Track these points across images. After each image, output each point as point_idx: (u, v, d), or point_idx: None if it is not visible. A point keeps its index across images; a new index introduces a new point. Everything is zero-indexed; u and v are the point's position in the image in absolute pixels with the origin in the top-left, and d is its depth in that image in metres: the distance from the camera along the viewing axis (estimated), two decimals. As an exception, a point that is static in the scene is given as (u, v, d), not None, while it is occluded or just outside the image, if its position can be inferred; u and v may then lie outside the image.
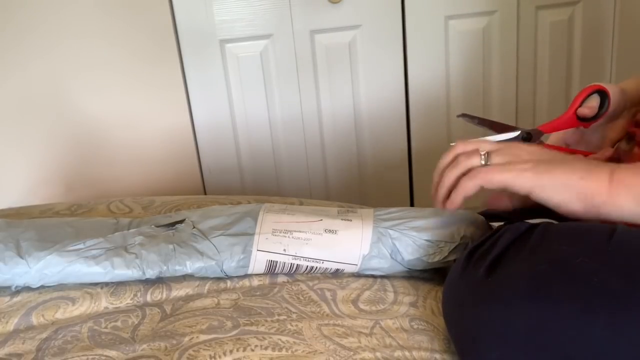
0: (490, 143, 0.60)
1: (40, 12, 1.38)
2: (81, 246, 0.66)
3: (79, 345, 0.57)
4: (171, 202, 0.88)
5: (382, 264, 0.66)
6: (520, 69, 1.62)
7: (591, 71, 1.65)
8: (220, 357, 0.54)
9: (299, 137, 1.59)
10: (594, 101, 0.73)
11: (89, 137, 1.49)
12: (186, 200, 0.88)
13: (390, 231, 0.66)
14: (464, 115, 0.76)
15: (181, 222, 0.69)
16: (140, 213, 0.84)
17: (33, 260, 0.65)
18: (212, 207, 0.74)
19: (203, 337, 0.56)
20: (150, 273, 0.65)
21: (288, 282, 0.67)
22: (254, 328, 0.58)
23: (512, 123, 1.68)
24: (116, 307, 0.64)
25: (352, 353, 0.55)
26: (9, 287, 0.66)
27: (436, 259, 0.66)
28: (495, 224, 0.66)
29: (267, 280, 0.67)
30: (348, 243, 0.66)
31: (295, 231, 0.66)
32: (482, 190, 0.58)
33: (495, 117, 1.67)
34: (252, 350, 0.54)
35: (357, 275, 0.68)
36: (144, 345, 0.56)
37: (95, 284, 0.67)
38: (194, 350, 0.55)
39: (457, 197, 0.58)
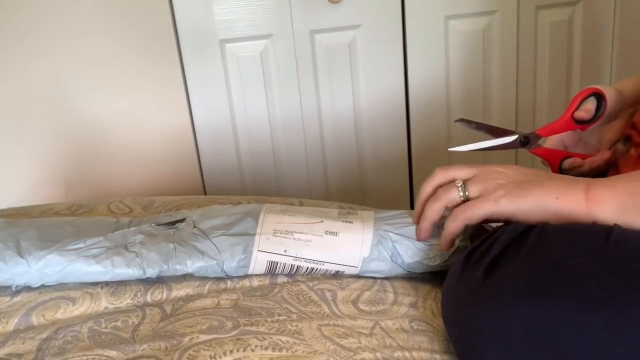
0: (467, 169, 0.62)
1: (40, 12, 1.38)
2: (81, 245, 0.66)
3: (79, 345, 0.57)
4: (171, 202, 0.88)
5: (382, 266, 0.67)
6: (520, 68, 1.62)
7: (591, 71, 1.65)
8: (220, 357, 0.54)
9: (299, 137, 1.59)
10: (591, 104, 0.73)
11: (89, 137, 1.49)
12: (186, 200, 0.88)
13: (391, 234, 0.66)
14: (461, 120, 0.76)
15: (181, 221, 0.69)
16: (140, 213, 0.84)
17: (33, 259, 0.65)
18: (212, 206, 0.74)
19: (203, 337, 0.56)
20: (151, 272, 0.66)
21: (288, 282, 0.67)
22: (254, 328, 0.58)
23: (512, 123, 1.69)
24: (116, 307, 0.64)
25: (352, 353, 0.55)
26: (9, 287, 0.66)
27: (436, 262, 0.66)
28: (494, 225, 0.67)
29: (267, 281, 0.67)
30: (348, 245, 0.66)
31: (296, 232, 0.66)
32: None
33: (495, 117, 1.68)
34: (252, 350, 0.54)
35: (357, 276, 0.68)
36: (144, 346, 0.56)
37: (96, 284, 0.67)
38: (194, 351, 0.55)
39: (447, 239, 0.62)
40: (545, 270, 0.48)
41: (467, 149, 0.74)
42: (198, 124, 1.54)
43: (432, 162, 1.66)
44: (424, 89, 1.59)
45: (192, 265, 0.66)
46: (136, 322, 0.61)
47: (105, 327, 0.60)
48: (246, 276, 0.68)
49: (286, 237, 0.66)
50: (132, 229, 0.69)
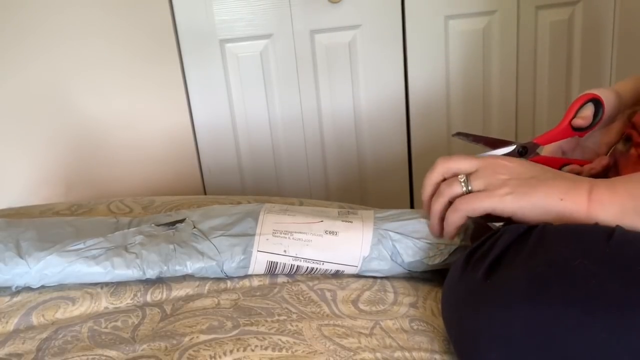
0: (470, 161, 0.61)
1: (40, 12, 1.38)
2: (81, 246, 0.66)
3: (79, 345, 0.57)
4: (171, 202, 0.88)
5: (382, 265, 0.67)
6: (520, 69, 1.62)
7: (591, 71, 1.65)
8: (220, 357, 0.54)
9: (299, 137, 1.59)
10: (589, 110, 0.73)
11: (89, 137, 1.49)
12: (186, 200, 0.88)
13: (391, 233, 0.66)
14: (458, 134, 0.76)
15: (181, 221, 0.69)
16: (140, 213, 0.84)
17: (33, 260, 0.65)
18: (212, 207, 0.74)
19: (203, 337, 0.56)
20: (151, 273, 0.65)
21: (288, 282, 0.67)
22: (254, 328, 0.58)
23: (512, 123, 1.69)
24: (116, 307, 0.64)
25: (352, 353, 0.55)
26: (9, 288, 0.66)
27: (436, 261, 0.66)
28: (495, 224, 0.67)
29: (267, 281, 0.67)
30: (348, 245, 0.66)
31: (295, 232, 0.66)
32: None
33: (495, 117, 1.68)
34: (252, 350, 0.54)
35: (358, 276, 0.68)
36: (144, 345, 0.56)
37: (95, 284, 0.67)
38: (194, 351, 0.55)
39: (450, 231, 0.61)
40: (546, 271, 0.48)
41: None
42: (198, 124, 1.54)
43: (432, 162, 1.65)
44: (424, 89, 1.59)
45: (192, 266, 0.66)
46: (136, 322, 0.61)
47: (105, 327, 0.60)
48: (246, 276, 0.68)
49: (286, 237, 0.66)
50: (131, 229, 0.69)
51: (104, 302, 0.64)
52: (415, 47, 1.56)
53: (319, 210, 0.71)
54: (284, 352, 0.54)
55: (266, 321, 0.59)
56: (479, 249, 0.55)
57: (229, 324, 0.58)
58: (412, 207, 1.71)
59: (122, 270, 0.65)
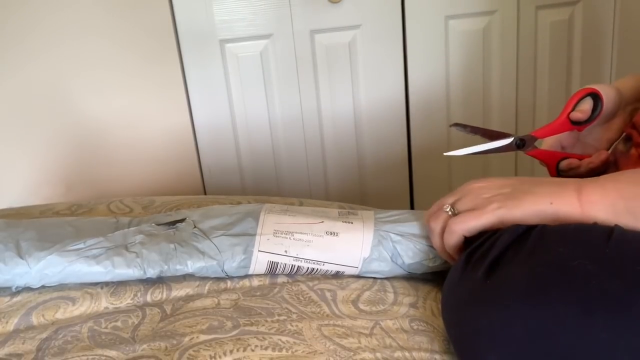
0: (452, 195, 0.62)
1: (39, 12, 1.38)
2: (81, 246, 0.66)
3: (79, 345, 0.57)
4: (171, 202, 0.88)
5: (382, 267, 0.67)
6: (520, 68, 1.62)
7: (591, 71, 1.65)
8: (220, 357, 0.54)
9: (299, 137, 1.59)
10: (587, 104, 0.73)
11: (89, 137, 1.49)
12: (186, 200, 0.88)
13: (392, 234, 0.66)
14: (456, 125, 0.76)
15: (182, 221, 0.69)
16: (140, 213, 0.84)
17: (33, 260, 0.64)
18: (212, 206, 0.74)
19: (203, 337, 0.56)
20: (151, 272, 0.65)
21: (288, 282, 0.67)
22: (254, 328, 0.58)
23: (512, 123, 1.69)
24: (116, 307, 0.64)
25: (352, 353, 0.55)
26: (9, 288, 0.66)
27: (437, 263, 0.66)
28: None
29: (267, 281, 0.67)
30: (349, 246, 0.66)
31: (296, 232, 0.66)
32: None
33: (495, 117, 1.68)
34: (252, 350, 0.54)
35: (357, 276, 0.68)
36: (144, 345, 0.56)
37: (95, 284, 0.67)
38: (194, 351, 0.55)
39: (453, 254, 0.61)
40: (546, 271, 0.48)
41: (463, 153, 0.74)
42: (198, 124, 1.54)
43: (432, 162, 1.66)
44: (424, 89, 1.59)
45: (193, 265, 0.66)
46: (136, 322, 0.61)
47: (105, 327, 0.60)
48: (246, 276, 0.68)
49: (287, 238, 0.66)
50: (132, 229, 0.69)
51: (104, 302, 0.64)
52: (415, 47, 1.56)
53: (319, 211, 0.71)
54: (284, 352, 0.54)
55: (266, 321, 0.59)
56: (479, 249, 0.55)
57: (229, 324, 0.58)
58: (412, 207, 1.71)
59: (123, 270, 0.65)
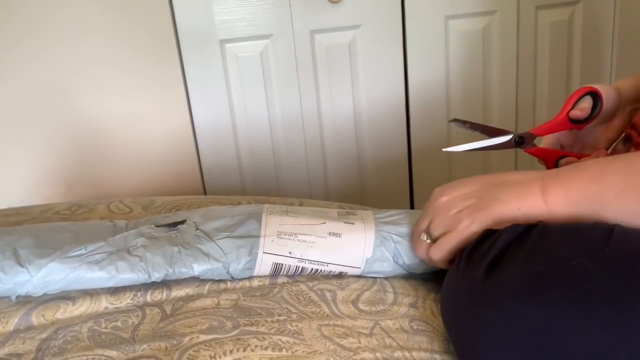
0: (423, 219, 0.63)
1: (39, 12, 1.38)
2: (83, 251, 0.65)
3: (79, 345, 0.57)
4: (171, 202, 0.88)
5: (384, 267, 0.67)
6: (520, 68, 1.62)
7: (591, 71, 1.65)
8: (220, 357, 0.54)
9: (299, 137, 1.59)
10: (587, 103, 0.73)
11: (89, 138, 1.49)
12: (186, 200, 0.88)
13: (393, 235, 0.67)
14: (455, 121, 0.76)
15: (182, 222, 0.69)
16: (140, 213, 0.84)
17: (34, 268, 0.63)
18: (211, 207, 0.74)
19: (203, 337, 0.56)
20: (156, 276, 0.65)
21: (288, 282, 0.67)
22: (254, 328, 0.58)
23: (512, 123, 1.69)
24: (116, 307, 0.64)
25: (352, 353, 0.55)
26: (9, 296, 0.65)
27: None
28: None
29: (267, 281, 0.67)
30: (352, 246, 0.66)
31: (300, 234, 0.66)
32: None
33: (495, 117, 1.68)
34: (252, 350, 0.54)
35: (357, 276, 0.68)
36: (144, 346, 0.56)
37: (96, 284, 0.67)
38: (194, 351, 0.55)
39: (444, 267, 0.62)
40: (546, 271, 0.48)
41: (461, 149, 0.74)
42: (198, 124, 1.54)
43: (432, 162, 1.66)
44: (424, 89, 1.60)
45: (198, 268, 0.65)
46: (136, 322, 0.61)
47: (105, 327, 0.60)
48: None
49: (290, 239, 0.66)
50: (131, 231, 0.67)
51: (104, 302, 0.64)
52: (415, 47, 1.56)
53: (318, 211, 0.71)
54: (284, 352, 0.54)
55: (266, 321, 0.59)
56: (478, 248, 0.55)
57: (229, 324, 0.59)
58: (412, 206, 1.71)
59: (127, 274, 0.64)
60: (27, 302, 0.64)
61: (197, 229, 0.68)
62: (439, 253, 0.60)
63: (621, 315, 0.44)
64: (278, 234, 0.66)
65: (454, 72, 1.60)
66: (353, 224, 0.67)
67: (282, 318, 0.60)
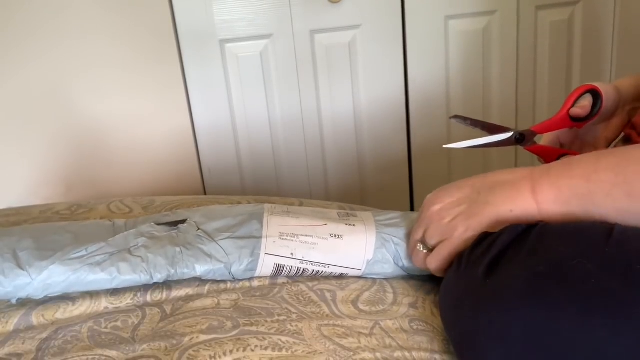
0: (418, 228, 0.63)
1: (40, 12, 1.38)
2: (84, 253, 0.64)
3: (79, 345, 0.57)
4: (171, 202, 0.88)
5: (385, 269, 0.67)
6: (520, 68, 1.62)
7: (591, 71, 1.65)
8: (220, 357, 0.54)
9: (299, 137, 1.59)
10: (587, 101, 0.73)
11: (89, 137, 1.49)
12: (186, 200, 0.88)
13: (394, 237, 0.67)
14: (456, 117, 0.76)
15: (183, 222, 0.69)
16: (140, 213, 0.84)
17: (35, 270, 0.62)
18: (212, 207, 0.74)
19: (203, 337, 0.56)
20: (159, 277, 0.64)
21: (288, 282, 0.67)
22: (254, 328, 0.58)
23: (512, 123, 1.69)
24: (116, 307, 0.64)
25: (352, 353, 0.55)
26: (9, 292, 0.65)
27: None
28: None
29: (267, 281, 0.67)
30: (353, 248, 0.66)
31: (301, 235, 0.66)
32: None
33: (495, 117, 1.68)
34: (252, 350, 0.54)
35: (357, 276, 0.68)
36: (144, 346, 0.56)
37: (96, 284, 0.66)
38: (194, 351, 0.55)
39: (442, 275, 0.62)
40: (545, 271, 0.48)
41: (462, 146, 0.74)
42: (198, 124, 1.54)
43: (432, 162, 1.66)
44: (424, 89, 1.60)
45: (200, 268, 0.65)
46: (136, 322, 0.61)
47: (105, 327, 0.60)
48: (246, 276, 0.68)
49: (292, 240, 0.66)
50: (132, 231, 0.67)
51: (104, 302, 0.64)
52: (415, 47, 1.56)
53: (319, 212, 0.71)
54: (284, 352, 0.54)
55: (266, 321, 0.59)
56: (478, 248, 0.55)
57: (229, 324, 0.59)
58: (412, 207, 1.71)
59: (129, 276, 0.64)
60: (27, 302, 0.64)
61: (199, 229, 0.67)
62: (437, 262, 0.60)
63: (621, 315, 0.44)
64: (280, 235, 0.66)
65: (454, 72, 1.60)
66: (354, 225, 0.67)
67: (282, 318, 0.60)
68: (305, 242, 0.66)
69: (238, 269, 0.65)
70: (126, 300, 0.64)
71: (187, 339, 0.57)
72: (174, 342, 0.56)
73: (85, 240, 0.66)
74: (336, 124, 1.60)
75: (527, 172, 0.57)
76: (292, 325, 0.58)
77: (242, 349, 0.54)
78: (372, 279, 0.68)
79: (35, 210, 0.87)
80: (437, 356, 0.57)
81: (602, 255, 0.47)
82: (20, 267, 0.62)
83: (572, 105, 0.73)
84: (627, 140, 0.72)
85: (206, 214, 0.70)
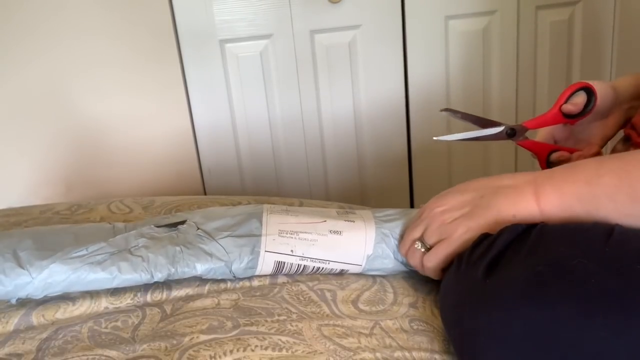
0: (417, 227, 0.63)
1: (39, 12, 1.38)
2: (84, 252, 0.64)
3: (79, 345, 0.57)
4: (171, 202, 0.88)
5: (386, 264, 0.67)
6: (520, 68, 1.62)
7: (591, 71, 1.65)
8: (220, 357, 0.54)
9: (299, 137, 1.59)
10: (580, 98, 0.73)
11: (89, 137, 1.49)
12: (186, 200, 0.88)
13: (393, 232, 0.67)
14: (447, 110, 0.77)
15: (182, 223, 0.69)
16: (140, 213, 0.84)
17: (36, 270, 0.62)
18: (211, 208, 0.74)
19: (203, 337, 0.57)
20: (159, 276, 0.64)
21: (288, 282, 0.67)
22: (254, 328, 0.58)
23: (512, 123, 1.69)
24: (116, 307, 0.64)
25: (352, 353, 0.55)
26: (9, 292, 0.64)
27: None
28: None
29: (267, 281, 0.67)
30: (353, 244, 0.66)
31: (301, 232, 0.66)
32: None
33: (495, 117, 1.67)
34: (252, 350, 0.54)
35: (357, 276, 0.68)
36: (144, 345, 0.56)
37: (96, 284, 0.66)
38: (194, 351, 0.55)
39: (436, 277, 0.63)
40: (545, 271, 0.48)
41: (452, 139, 0.75)
42: (198, 124, 1.54)
43: (432, 161, 1.66)
44: (424, 89, 1.60)
45: (201, 267, 0.65)
46: (136, 322, 0.61)
47: (105, 327, 0.60)
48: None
49: (292, 237, 0.66)
50: (132, 232, 0.67)
51: (104, 302, 0.64)
52: (415, 47, 1.56)
53: (318, 210, 0.71)
54: (284, 352, 0.54)
55: (266, 321, 0.59)
56: (477, 248, 0.55)
57: (229, 324, 0.59)
58: (412, 207, 1.71)
59: (130, 275, 0.64)
60: (27, 302, 0.64)
61: (198, 228, 0.68)
62: (434, 260, 0.60)
63: (621, 315, 0.44)
64: (279, 233, 0.66)
65: (454, 72, 1.60)
66: (353, 221, 0.68)
67: (282, 318, 0.60)
68: (305, 239, 0.66)
69: (239, 267, 0.66)
70: (126, 300, 0.64)
71: (187, 339, 0.57)
72: (174, 342, 0.56)
73: (86, 241, 0.66)
74: (336, 124, 1.60)
75: (531, 177, 0.57)
76: (292, 325, 0.58)
77: (242, 349, 0.55)
78: (372, 279, 0.68)
79: (35, 210, 0.87)
80: (437, 356, 0.57)
81: (603, 255, 0.47)
82: (21, 266, 0.62)
83: (565, 102, 0.74)
84: (627, 140, 0.73)
85: (205, 214, 0.70)
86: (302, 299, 0.64)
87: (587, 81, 0.73)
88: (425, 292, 0.67)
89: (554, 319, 0.46)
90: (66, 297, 0.65)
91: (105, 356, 0.55)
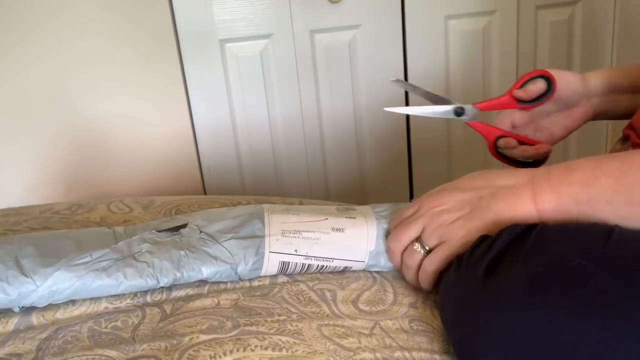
0: (415, 225, 0.62)
1: (39, 12, 1.38)
2: (88, 259, 0.63)
3: (79, 345, 0.57)
4: (171, 202, 0.88)
5: (388, 260, 0.67)
6: (520, 68, 1.62)
7: (591, 70, 1.65)
8: (220, 357, 0.54)
9: (299, 137, 1.59)
10: (535, 85, 0.73)
11: (88, 137, 1.49)
12: (186, 200, 0.88)
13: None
14: (397, 81, 0.77)
15: (184, 226, 0.68)
16: (140, 213, 0.84)
17: (40, 277, 0.61)
18: (211, 209, 0.74)
19: (203, 337, 0.57)
20: (165, 281, 0.64)
21: (288, 282, 0.67)
22: (254, 328, 0.58)
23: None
24: (116, 307, 0.64)
25: (352, 353, 0.55)
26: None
27: None
28: None
29: (267, 281, 0.67)
30: (355, 240, 0.66)
31: (304, 231, 0.66)
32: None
33: (495, 116, 1.67)
34: (252, 350, 0.54)
35: (357, 276, 0.68)
36: (144, 345, 0.56)
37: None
38: (194, 350, 0.55)
39: (428, 287, 0.63)
40: (545, 272, 0.48)
41: (402, 112, 0.76)
42: (198, 124, 1.54)
43: (431, 161, 1.66)
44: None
45: (207, 270, 0.64)
46: (136, 322, 0.61)
47: (105, 327, 0.60)
48: (246, 276, 0.68)
49: (295, 237, 0.66)
50: (134, 237, 0.66)
51: (104, 302, 0.64)
52: (415, 47, 1.56)
53: (319, 209, 0.71)
54: (284, 352, 0.54)
55: (266, 321, 0.59)
56: (477, 249, 0.55)
57: (229, 324, 0.59)
58: (412, 206, 1.71)
59: (136, 281, 0.63)
60: (27, 302, 0.64)
61: (201, 231, 0.67)
62: (434, 264, 0.60)
63: (620, 316, 0.44)
64: (282, 233, 0.66)
65: (454, 71, 1.60)
66: (354, 218, 0.68)
67: (282, 318, 0.60)
68: (308, 237, 0.66)
69: (244, 268, 0.65)
70: (126, 300, 0.64)
71: (187, 338, 0.57)
72: (174, 342, 0.56)
73: (88, 247, 0.65)
74: (336, 124, 1.60)
75: (528, 178, 0.57)
76: (292, 325, 0.58)
77: (242, 349, 0.55)
78: (372, 279, 0.68)
79: (35, 210, 0.87)
80: (437, 356, 0.57)
81: (602, 256, 0.47)
82: (24, 274, 0.61)
83: (520, 88, 0.74)
84: (626, 140, 0.72)
85: (206, 216, 0.70)
86: (302, 298, 0.64)
87: (547, 69, 0.73)
88: (425, 292, 0.67)
89: (554, 320, 0.46)
90: (66, 297, 0.65)
91: (105, 356, 0.55)
